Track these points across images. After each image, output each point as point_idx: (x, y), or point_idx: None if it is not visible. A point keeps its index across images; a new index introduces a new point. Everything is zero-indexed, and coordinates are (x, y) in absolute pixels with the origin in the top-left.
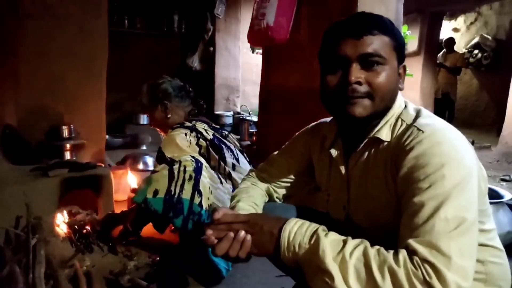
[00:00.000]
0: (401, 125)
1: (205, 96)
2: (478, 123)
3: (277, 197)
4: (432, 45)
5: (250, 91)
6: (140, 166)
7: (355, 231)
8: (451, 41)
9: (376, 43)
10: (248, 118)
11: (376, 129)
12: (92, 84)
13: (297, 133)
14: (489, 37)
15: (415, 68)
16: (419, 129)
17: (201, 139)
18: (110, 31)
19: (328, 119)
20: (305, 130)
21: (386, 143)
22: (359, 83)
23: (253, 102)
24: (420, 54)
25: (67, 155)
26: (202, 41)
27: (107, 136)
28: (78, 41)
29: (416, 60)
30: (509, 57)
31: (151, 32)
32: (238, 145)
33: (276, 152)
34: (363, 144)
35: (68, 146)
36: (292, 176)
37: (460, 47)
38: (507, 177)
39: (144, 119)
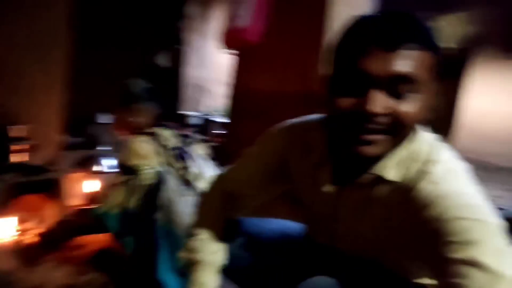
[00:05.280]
0: (412, 162)
1: (173, 95)
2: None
3: (245, 207)
4: None
5: (219, 91)
6: (98, 167)
7: (339, 257)
8: None
9: (414, 61)
10: (216, 119)
11: (382, 164)
12: (49, 81)
13: (268, 133)
14: (446, 45)
15: None
16: (435, 176)
17: (164, 147)
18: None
19: (311, 118)
20: (280, 130)
21: (392, 182)
22: (382, 114)
23: (222, 101)
24: None
25: (18, 157)
26: (171, 39)
27: (66, 136)
28: (35, 35)
29: None
30: (461, 65)
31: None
32: (204, 152)
33: (244, 155)
34: (364, 179)
35: (17, 147)
36: (262, 183)
37: None
38: None
39: (105, 118)
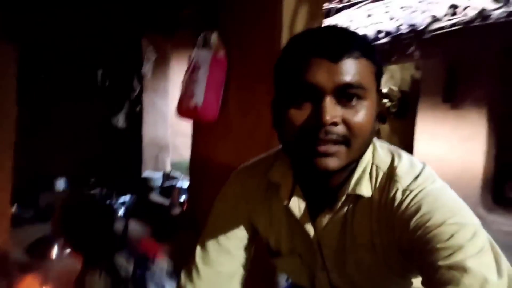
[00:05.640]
0: (377, 173)
1: (132, 155)
2: None
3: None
4: None
5: (181, 144)
6: (55, 254)
7: None
8: None
9: (359, 70)
10: (178, 184)
11: (353, 182)
12: None
13: (221, 197)
14: (395, 89)
15: None
16: (405, 183)
17: (120, 278)
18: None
19: (268, 154)
20: (232, 190)
21: (366, 198)
22: (335, 123)
23: (185, 154)
24: None
25: None
26: (128, 100)
27: (14, 208)
28: None
29: None
30: (412, 105)
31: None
32: (166, 267)
33: (205, 238)
34: (339, 202)
35: None
36: (235, 254)
37: None
38: None
39: (61, 183)
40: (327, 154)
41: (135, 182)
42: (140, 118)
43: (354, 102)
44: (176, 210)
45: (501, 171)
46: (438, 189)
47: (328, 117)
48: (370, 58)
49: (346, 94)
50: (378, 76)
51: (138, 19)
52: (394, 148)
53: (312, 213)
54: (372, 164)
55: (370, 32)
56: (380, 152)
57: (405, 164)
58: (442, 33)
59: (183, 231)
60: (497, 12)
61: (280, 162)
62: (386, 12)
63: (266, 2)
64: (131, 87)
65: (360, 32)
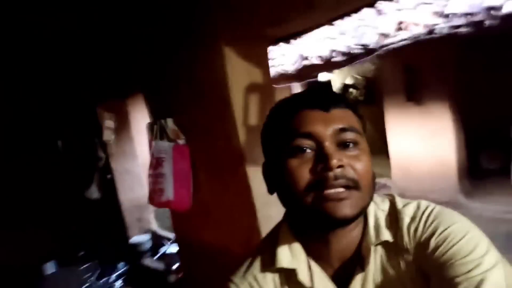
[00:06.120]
0: (385, 218)
1: (113, 224)
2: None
3: None
4: None
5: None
6: None
7: None
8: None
9: (348, 117)
10: (168, 250)
11: (372, 231)
12: None
13: None
14: (359, 77)
15: None
16: (414, 213)
17: None
18: None
19: (257, 248)
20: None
21: (391, 244)
22: (342, 166)
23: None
24: None
25: None
26: (96, 170)
27: None
28: None
29: None
30: (378, 91)
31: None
32: None
33: None
34: (370, 256)
35: None
36: None
37: (337, 86)
38: None
39: (50, 267)
40: (339, 199)
41: (124, 249)
42: (113, 185)
43: (351, 148)
44: (172, 278)
45: (473, 149)
46: (443, 207)
47: (334, 160)
48: (354, 110)
49: (343, 142)
50: (363, 126)
51: (89, 88)
52: (382, 194)
53: (340, 284)
54: (377, 210)
55: (323, 52)
56: (377, 199)
57: (402, 201)
58: (393, 48)
59: None
60: (441, 26)
61: (280, 245)
62: (339, 33)
63: (217, 89)
64: (96, 157)
65: (315, 51)
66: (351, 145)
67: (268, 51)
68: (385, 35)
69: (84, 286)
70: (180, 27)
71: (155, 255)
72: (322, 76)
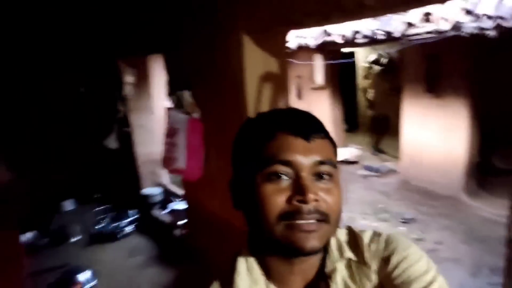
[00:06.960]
0: (347, 239)
1: (128, 173)
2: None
3: None
4: (332, 77)
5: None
6: None
7: None
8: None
9: (327, 149)
10: (176, 206)
11: (335, 253)
12: None
13: None
14: (383, 53)
15: (324, 101)
16: (372, 238)
17: None
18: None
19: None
20: None
21: (352, 261)
22: (317, 200)
23: None
24: (326, 88)
25: None
26: (115, 122)
27: (28, 236)
28: None
29: (324, 93)
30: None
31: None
32: None
33: None
34: (335, 276)
35: None
36: None
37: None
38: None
39: (69, 204)
40: (309, 231)
41: (136, 199)
42: (130, 138)
43: (326, 181)
44: (177, 232)
45: (487, 148)
46: (397, 234)
47: (311, 195)
48: (330, 140)
49: (319, 173)
50: (337, 156)
51: (111, 43)
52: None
53: None
54: (337, 234)
55: (346, 32)
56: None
57: (358, 228)
58: (416, 39)
59: (186, 260)
60: (469, 25)
61: (238, 270)
62: None
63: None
64: (115, 109)
65: (336, 30)
66: (326, 177)
67: (286, 42)
68: (411, 25)
69: (98, 226)
70: (204, 12)
71: (164, 209)
72: (345, 50)
